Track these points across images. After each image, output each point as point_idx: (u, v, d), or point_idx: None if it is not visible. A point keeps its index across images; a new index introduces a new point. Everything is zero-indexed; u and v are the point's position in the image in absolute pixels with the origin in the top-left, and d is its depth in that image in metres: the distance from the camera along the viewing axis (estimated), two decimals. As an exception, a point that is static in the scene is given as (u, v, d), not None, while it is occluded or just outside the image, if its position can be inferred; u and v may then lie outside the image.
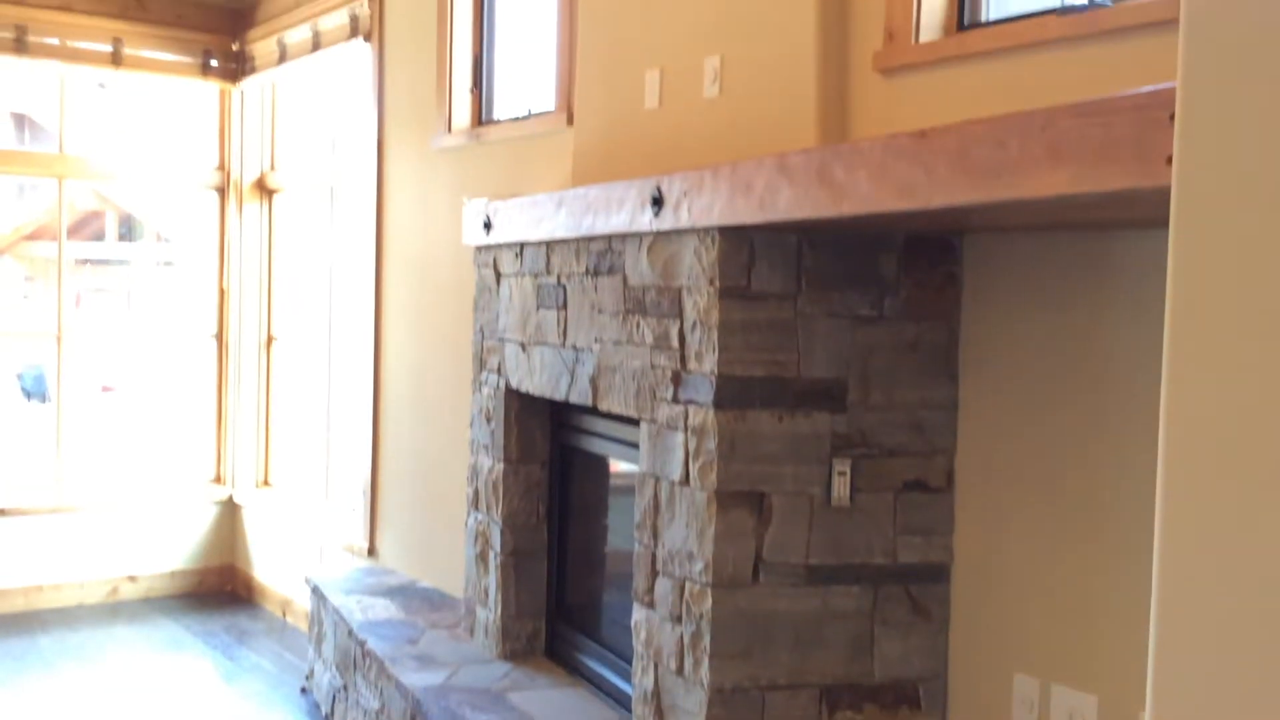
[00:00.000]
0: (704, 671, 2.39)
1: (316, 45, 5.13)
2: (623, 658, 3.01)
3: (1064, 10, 2.17)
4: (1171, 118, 1.07)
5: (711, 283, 2.38)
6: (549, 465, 3.48)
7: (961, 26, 2.43)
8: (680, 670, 2.48)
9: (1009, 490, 2.33)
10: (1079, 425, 2.18)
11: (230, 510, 6.00)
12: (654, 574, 2.60)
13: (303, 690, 4.47)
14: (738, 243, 2.36)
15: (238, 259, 5.99)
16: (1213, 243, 1.03)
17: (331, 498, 5.40)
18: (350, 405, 5.10)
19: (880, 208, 1.89)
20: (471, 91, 4.17)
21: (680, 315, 2.50)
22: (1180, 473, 1.04)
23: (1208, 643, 1.02)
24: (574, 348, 3.00)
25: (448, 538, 4.19)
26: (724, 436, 2.36)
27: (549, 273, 3.16)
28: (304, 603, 5.03)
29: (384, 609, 4.00)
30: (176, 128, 6.31)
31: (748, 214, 2.21)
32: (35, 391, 9.14)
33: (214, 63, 5.81)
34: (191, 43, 5.75)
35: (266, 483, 6.00)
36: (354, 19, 4.80)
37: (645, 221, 2.56)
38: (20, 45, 5.35)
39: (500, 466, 3.46)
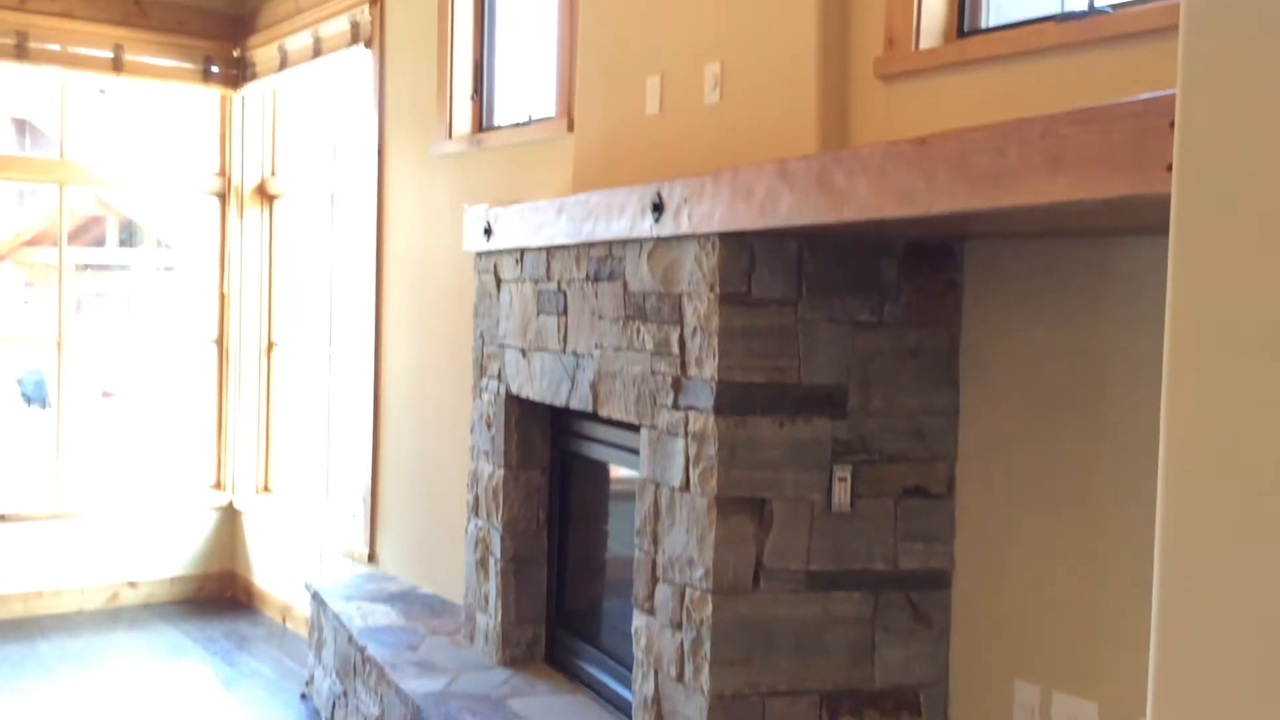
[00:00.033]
0: (704, 678, 2.39)
1: (317, 51, 5.14)
2: (623, 664, 3.01)
3: (1064, 17, 2.17)
4: (1171, 125, 1.07)
5: (712, 289, 2.38)
6: (549, 471, 3.48)
7: (961, 33, 2.44)
8: (681, 677, 2.48)
9: (1010, 496, 2.33)
10: (1080, 431, 2.18)
11: (230, 516, 5.99)
12: (654, 580, 2.60)
13: (302, 696, 4.47)
14: (738, 249, 2.37)
15: (238, 265, 6.00)
16: (1213, 250, 1.03)
17: (332, 503, 5.40)
18: (350, 411, 5.10)
19: (880, 214, 1.90)
20: (472, 98, 4.17)
21: (681, 321, 2.50)
22: (1181, 479, 1.04)
23: (1208, 650, 1.02)
24: (574, 353, 3.01)
25: (448, 544, 4.19)
26: (724, 442, 2.36)
27: (549, 279, 3.16)
28: (304, 609, 5.02)
29: (384, 615, 4.00)
30: (177, 133, 6.32)
31: (748, 220, 2.22)
32: (35, 397, 9.14)
33: (215, 69, 5.82)
34: (192, 49, 5.76)
35: (267, 488, 5.99)
36: (355, 25, 4.81)
37: (646, 227, 2.57)
38: (21, 51, 5.36)
39: (500, 472, 3.46)
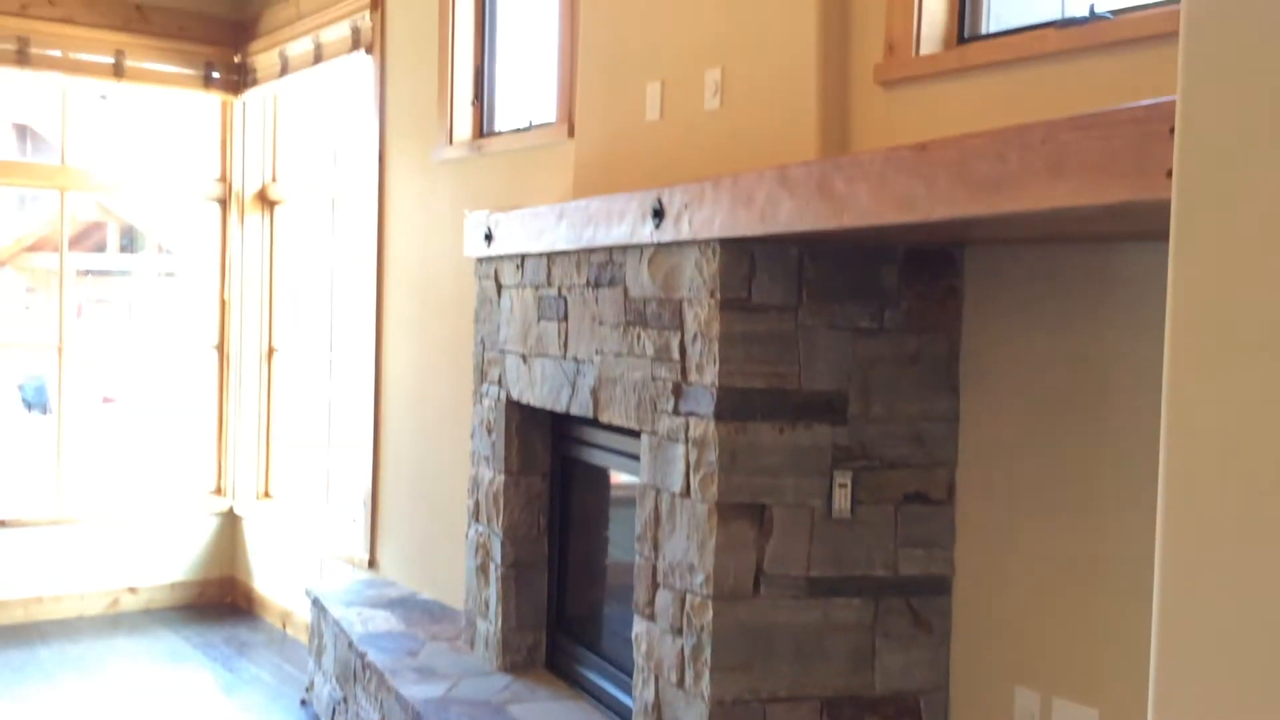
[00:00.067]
0: (705, 684, 2.38)
1: (318, 57, 5.15)
2: (623, 670, 3.01)
3: (1064, 23, 2.17)
4: (1171, 131, 1.07)
5: (712, 294, 2.38)
6: (550, 477, 3.48)
7: (962, 39, 2.44)
8: (681, 683, 2.47)
9: (1010, 502, 2.33)
10: (1080, 437, 2.18)
11: (231, 522, 5.99)
12: (655, 586, 2.59)
13: (302, 702, 4.46)
14: (738, 255, 2.37)
15: (239, 270, 6.00)
16: (1213, 255, 1.03)
17: (332, 509, 5.40)
18: (351, 417, 5.10)
19: (881, 220, 1.90)
20: (473, 103, 4.18)
21: (681, 327, 2.50)
22: (1181, 485, 1.04)
23: (1209, 656, 1.02)
24: (575, 359, 3.01)
25: (448, 550, 4.19)
26: (725, 448, 2.36)
27: (550, 284, 3.16)
28: (304, 615, 5.02)
29: (384, 621, 3.99)
30: (178, 139, 6.33)
31: (748, 226, 2.22)
32: (36, 403, 9.14)
33: (216, 75, 5.83)
34: (193, 55, 5.77)
35: (267, 494, 5.99)
36: (356, 31, 4.82)
37: (646, 233, 2.57)
38: (23, 57, 5.37)
39: (501, 478, 3.46)
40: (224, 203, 6.03)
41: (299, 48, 5.30)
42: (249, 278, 6.00)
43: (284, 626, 5.49)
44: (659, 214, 2.50)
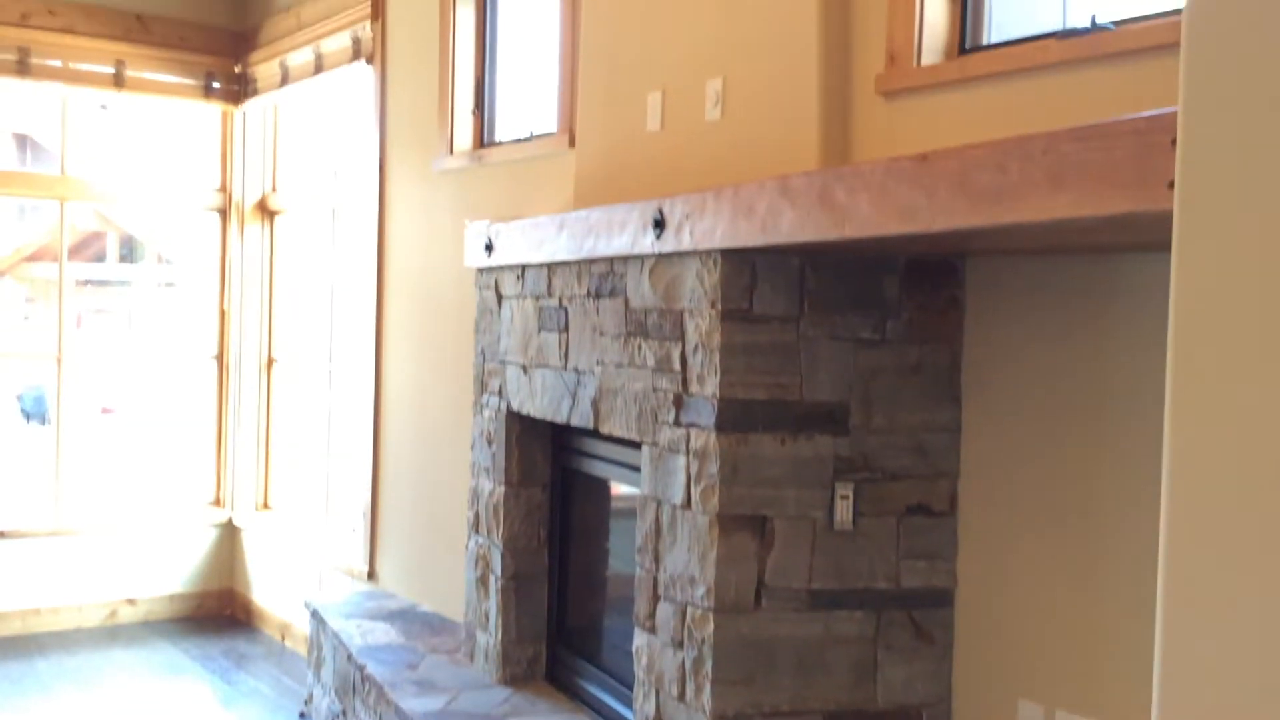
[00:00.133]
0: (706, 697, 2.37)
1: (319, 68, 5.16)
2: (624, 683, 2.99)
3: (1065, 34, 2.17)
4: (1173, 142, 1.07)
5: (713, 305, 2.37)
6: (550, 488, 3.47)
7: (963, 50, 2.44)
8: (682, 696, 2.46)
9: (1013, 514, 2.32)
10: (1082, 447, 2.17)
11: (230, 533, 5.98)
12: (655, 598, 2.58)
13: (301, 715, 4.44)
14: (740, 265, 2.36)
15: (239, 281, 6.00)
16: (1215, 266, 1.03)
17: (331, 521, 5.38)
18: (350, 428, 5.09)
19: (882, 231, 1.89)
20: (473, 113, 4.18)
21: (682, 338, 2.50)
22: (1184, 495, 1.04)
23: (1213, 668, 1.02)
24: (575, 370, 3.00)
25: (448, 561, 4.17)
26: (726, 460, 2.35)
27: (550, 295, 3.16)
28: (303, 627, 5.00)
29: (384, 633, 3.98)
30: (178, 149, 6.33)
31: (750, 236, 2.21)
32: (35, 413, 9.14)
33: (216, 85, 5.84)
34: (194, 65, 5.77)
35: (266, 505, 5.98)
36: (356, 41, 4.82)
37: (647, 244, 2.56)
38: (23, 67, 5.37)
39: (501, 489, 3.45)
40: (224, 213, 6.03)
41: (299, 58, 5.31)
42: (249, 288, 5.99)
43: (283, 638, 5.47)
44: (660, 224, 2.50)
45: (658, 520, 2.57)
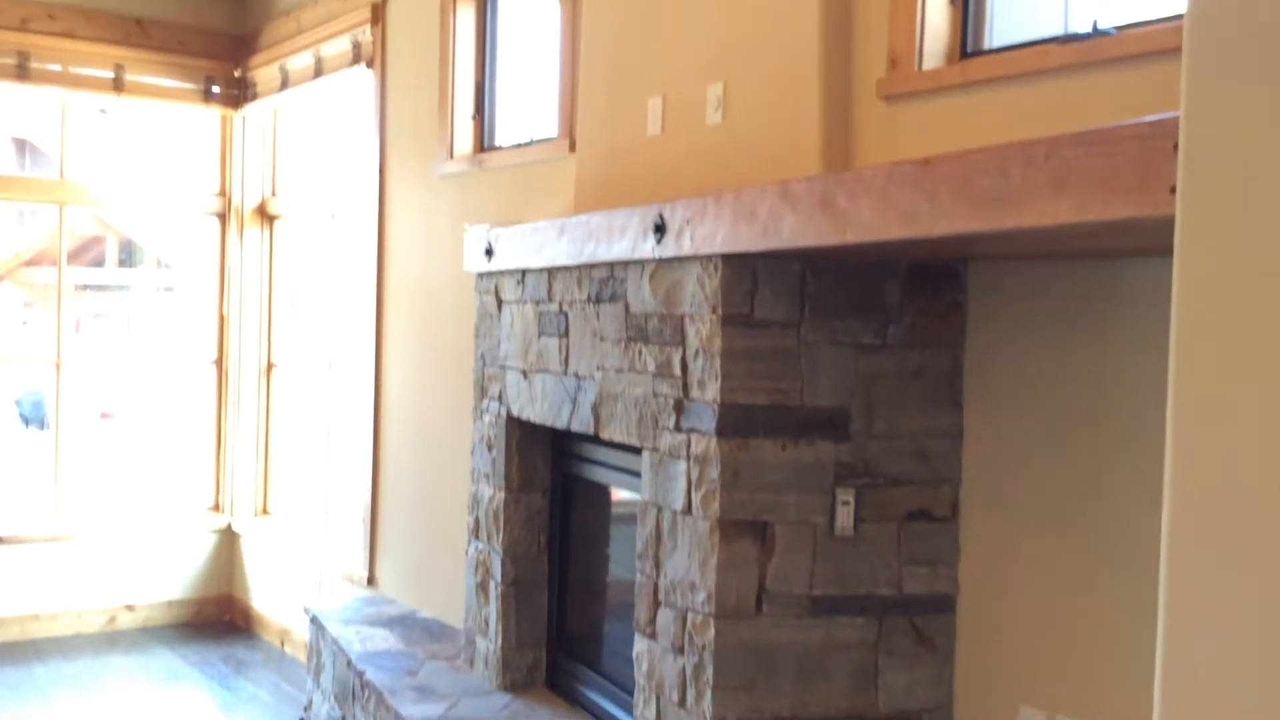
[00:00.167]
0: (706, 703, 2.36)
1: (319, 72, 5.16)
2: (624, 689, 2.99)
3: (1067, 39, 2.17)
4: (1175, 147, 1.06)
5: (714, 310, 2.37)
6: (550, 494, 3.46)
7: (965, 54, 2.44)
8: (682, 702, 2.45)
9: (1014, 519, 2.31)
10: (1084, 453, 2.17)
11: (229, 539, 5.97)
12: (656, 604, 2.57)
13: (301, 720, 4.43)
14: (740, 270, 2.36)
15: (238, 285, 5.99)
16: (1217, 271, 1.02)
17: (331, 526, 5.37)
18: (350, 433, 5.08)
19: (883, 236, 1.89)
20: (474, 118, 4.18)
21: (683, 343, 2.49)
22: (1186, 501, 1.04)
23: (1215, 674, 1.01)
24: (576, 375, 2.99)
25: (448, 567, 4.17)
26: (727, 465, 2.34)
27: (551, 300, 3.16)
28: (302, 633, 4.99)
29: (383, 639, 3.97)
30: (178, 153, 6.33)
31: (751, 241, 2.21)
32: (34, 418, 9.13)
33: (216, 89, 5.84)
34: (193, 69, 5.77)
35: (265, 511, 5.97)
36: (356, 45, 4.82)
37: (647, 249, 2.56)
38: (23, 72, 5.37)
39: (501, 495, 3.44)
40: (223, 217, 6.03)
41: (299, 62, 5.31)
42: (248, 293, 5.99)
43: (282, 645, 5.46)
44: (660, 229, 2.50)
45: (658, 526, 2.57)
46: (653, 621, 2.59)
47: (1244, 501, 0.99)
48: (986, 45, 2.43)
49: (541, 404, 3.19)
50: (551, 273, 3.15)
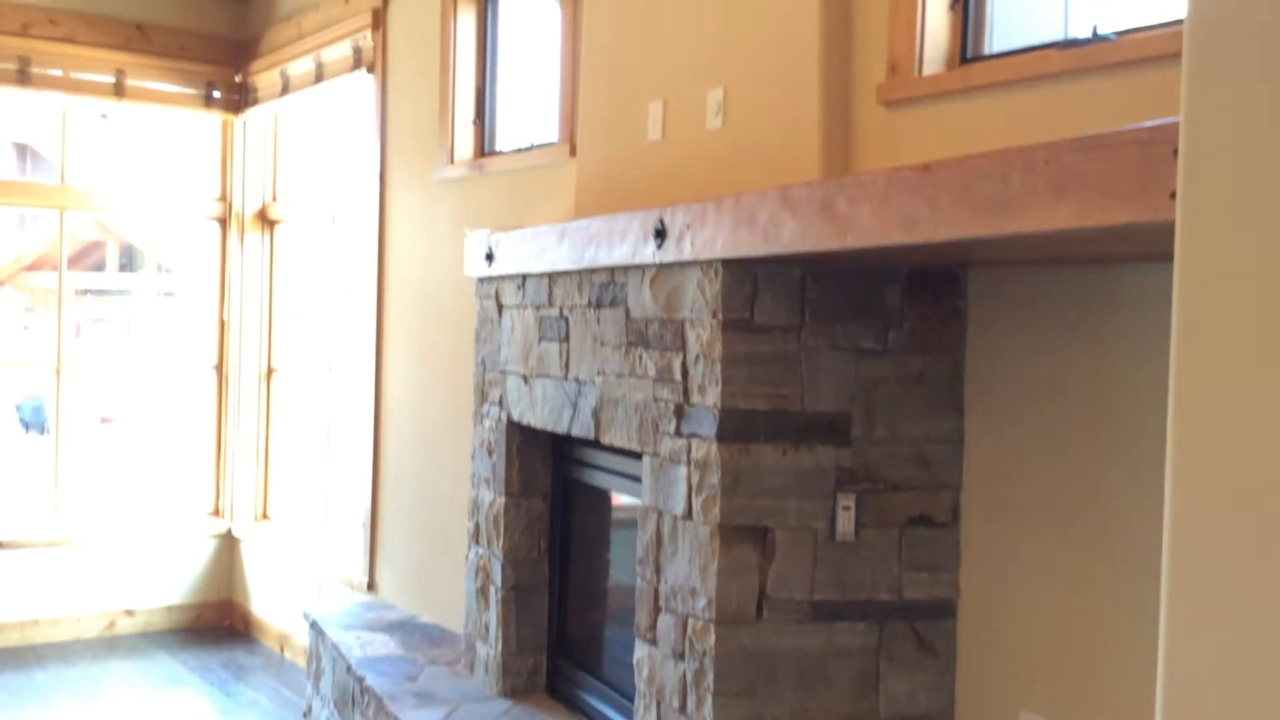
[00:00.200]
0: (707, 710, 2.36)
1: (319, 77, 5.16)
2: (624, 695, 2.98)
3: (1067, 44, 2.17)
4: (1175, 152, 1.06)
5: (714, 315, 2.37)
6: (551, 499, 3.46)
7: (964, 60, 2.44)
8: (683, 708, 2.45)
9: (1015, 525, 2.31)
10: (1085, 458, 2.16)
11: (229, 544, 5.96)
12: (656, 610, 2.57)
13: (300, 726, 4.43)
14: (741, 275, 2.36)
15: (239, 290, 5.99)
16: (1217, 277, 1.02)
17: (331, 531, 5.37)
18: (350, 438, 5.08)
19: (883, 241, 1.89)
20: (474, 123, 4.18)
21: (683, 348, 2.49)
22: (1188, 506, 1.04)
23: (1217, 679, 1.01)
24: (576, 380, 2.99)
25: (448, 572, 4.16)
26: (727, 470, 2.34)
27: (551, 305, 3.15)
28: (302, 638, 4.98)
29: (383, 644, 3.96)
30: (178, 158, 6.33)
31: (751, 247, 2.21)
32: (34, 423, 9.13)
33: (216, 94, 5.84)
34: (194, 74, 5.78)
35: (265, 516, 5.97)
36: (357, 51, 4.83)
37: (648, 254, 2.56)
38: (24, 77, 5.38)
39: (501, 500, 3.44)
40: (224, 222, 6.03)
41: (300, 67, 5.31)
42: (248, 297, 5.99)
43: (282, 650, 5.45)
44: (661, 234, 2.50)
45: (659, 531, 2.56)
46: (653, 627, 2.58)
47: (1245, 505, 0.99)
48: (986, 50, 2.43)
49: (542, 409, 3.18)
50: (552, 277, 3.15)
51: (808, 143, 2.54)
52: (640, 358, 2.67)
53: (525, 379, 3.30)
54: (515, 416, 3.36)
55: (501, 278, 3.46)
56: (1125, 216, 1.47)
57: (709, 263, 2.39)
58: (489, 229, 3.57)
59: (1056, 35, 2.27)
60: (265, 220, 6.02)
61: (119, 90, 5.60)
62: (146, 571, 5.76)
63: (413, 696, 3.43)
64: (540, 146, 3.78)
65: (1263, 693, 0.98)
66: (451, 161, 4.18)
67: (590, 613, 3.48)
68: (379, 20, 4.67)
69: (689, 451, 2.44)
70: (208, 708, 4.72)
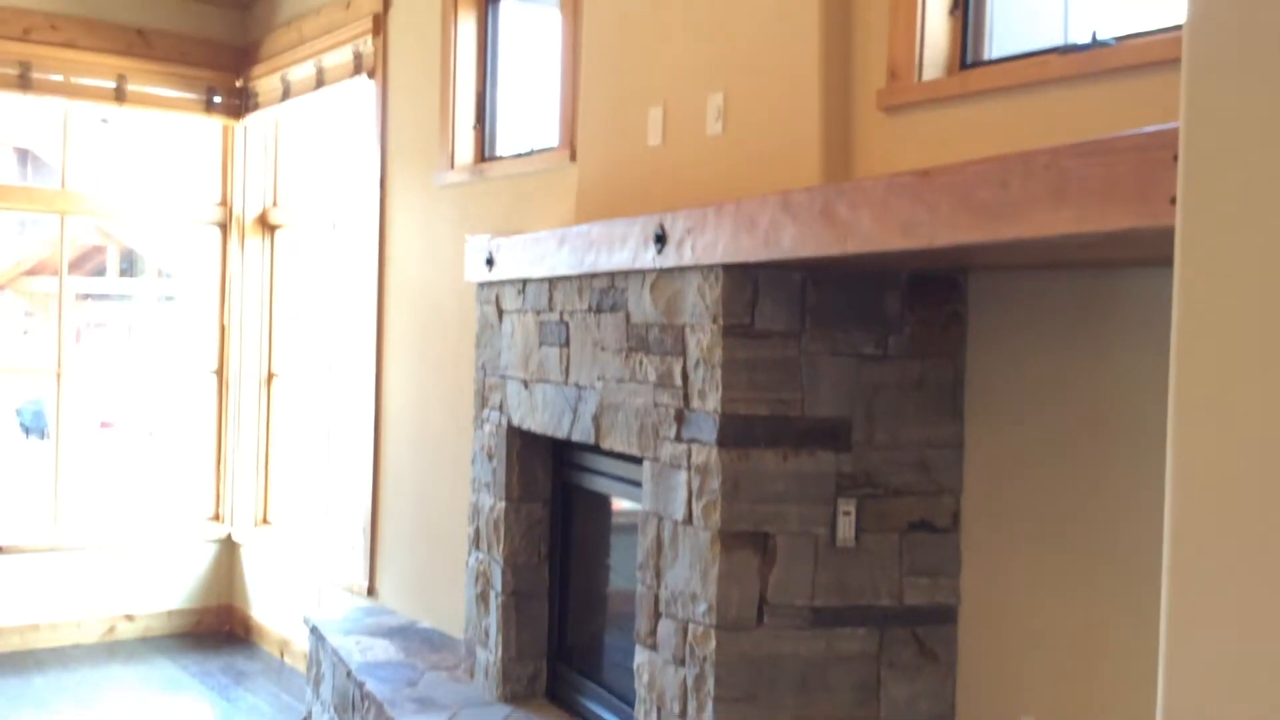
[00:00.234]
0: (707, 715, 2.35)
1: (320, 82, 5.17)
2: (625, 700, 2.98)
3: (1066, 49, 2.17)
4: (1174, 158, 1.06)
5: (715, 320, 2.37)
6: (551, 504, 3.46)
7: (964, 65, 2.44)
8: (683, 714, 2.44)
9: (1015, 530, 2.31)
10: (1085, 463, 2.16)
11: (229, 549, 5.96)
12: (657, 615, 2.57)
13: (300, 731, 4.42)
14: (741, 280, 2.36)
15: (239, 295, 5.99)
16: (1217, 282, 1.02)
17: (331, 536, 5.37)
18: (350, 443, 5.08)
19: (883, 246, 1.89)
20: (474, 128, 4.18)
21: (683, 353, 2.49)
22: (1188, 510, 1.04)
23: (1217, 685, 1.01)
24: (576, 385, 2.99)
25: (448, 577, 4.16)
26: (728, 475, 2.34)
27: (551, 310, 3.16)
28: (302, 643, 4.98)
29: (383, 650, 3.96)
30: (179, 163, 6.34)
31: (751, 251, 2.21)
32: (34, 427, 9.13)
33: (217, 99, 5.85)
34: (195, 79, 5.78)
35: (265, 521, 5.96)
36: (358, 56, 4.83)
37: (648, 259, 2.56)
38: (25, 82, 5.38)
39: (502, 505, 3.43)
40: (224, 227, 6.03)
41: (301, 72, 5.32)
42: (249, 302, 5.99)
43: (282, 655, 5.45)
44: (661, 239, 2.50)
45: (659, 536, 2.56)
46: (653, 632, 2.58)
47: (1245, 508, 0.99)
48: (986, 56, 2.43)
49: (542, 414, 3.18)
50: (552, 282, 3.15)
51: (808, 148, 2.54)
52: (640, 363, 2.67)
53: (525, 384, 3.30)
54: (515, 421, 3.36)
55: (502, 283, 3.47)
56: (1125, 222, 1.47)
57: (709, 268, 2.39)
58: (489, 234, 3.58)
59: (1056, 40, 2.27)
60: (266, 225, 6.03)
61: (120, 95, 5.61)
62: (146, 576, 5.76)
63: (413, 702, 3.43)
64: (541, 151, 3.78)
65: (1263, 698, 0.97)
66: (452, 166, 4.19)
67: (590, 618, 3.47)
68: (379, 25, 4.67)
69: (689, 456, 2.44)
70: (208, 713, 4.71)
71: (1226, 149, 1.02)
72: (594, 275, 2.90)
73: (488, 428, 3.54)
